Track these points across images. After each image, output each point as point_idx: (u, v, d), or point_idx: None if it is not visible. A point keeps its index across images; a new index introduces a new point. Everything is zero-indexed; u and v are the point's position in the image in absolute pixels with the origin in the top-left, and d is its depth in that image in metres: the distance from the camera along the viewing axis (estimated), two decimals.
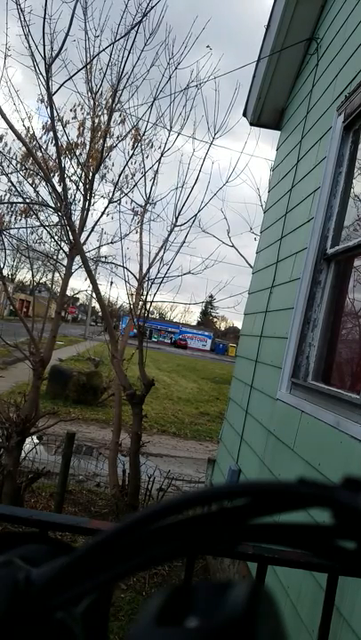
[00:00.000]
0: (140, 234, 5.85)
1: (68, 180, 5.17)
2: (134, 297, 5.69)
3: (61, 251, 5.54)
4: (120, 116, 5.47)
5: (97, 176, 5.36)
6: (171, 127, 5.46)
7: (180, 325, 67.78)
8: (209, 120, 5.44)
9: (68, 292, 6.39)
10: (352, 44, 2.90)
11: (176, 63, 5.15)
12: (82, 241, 5.11)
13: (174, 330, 64.59)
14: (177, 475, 6.84)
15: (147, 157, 5.77)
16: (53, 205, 5.15)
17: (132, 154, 5.53)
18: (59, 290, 5.62)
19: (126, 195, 5.75)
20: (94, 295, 5.66)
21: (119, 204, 5.74)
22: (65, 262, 5.37)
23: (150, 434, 9.27)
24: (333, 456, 2.12)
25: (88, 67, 5.19)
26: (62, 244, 5.43)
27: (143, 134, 5.57)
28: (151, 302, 5.51)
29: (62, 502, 4.76)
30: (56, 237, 5.60)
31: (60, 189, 5.02)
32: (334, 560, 0.29)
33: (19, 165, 5.50)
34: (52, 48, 4.46)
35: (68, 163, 5.26)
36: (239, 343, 4.88)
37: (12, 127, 4.78)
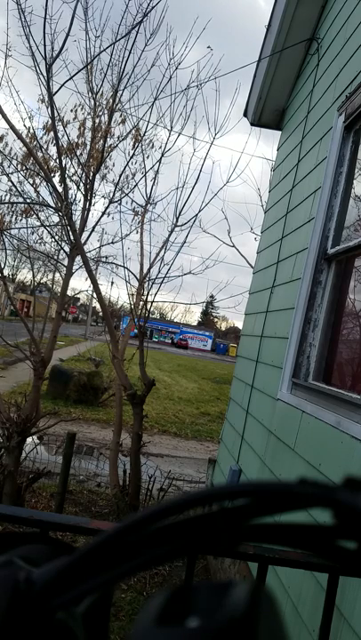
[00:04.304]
0: (141, 234, 5.86)
1: (68, 180, 5.17)
2: (135, 297, 5.69)
3: (62, 251, 5.55)
4: (121, 116, 5.47)
5: (97, 176, 5.36)
6: (171, 127, 5.47)
7: (180, 325, 67.80)
8: (209, 120, 5.45)
9: (69, 292, 6.39)
10: (353, 44, 2.90)
11: (177, 63, 5.15)
12: (82, 241, 5.11)
13: (175, 330, 64.61)
14: (178, 475, 6.84)
15: (147, 157, 5.77)
16: (54, 205, 5.15)
17: (133, 154, 5.53)
18: (59, 290, 5.62)
19: (127, 195, 5.75)
20: (95, 295, 5.66)
21: (120, 204, 5.74)
22: (65, 262, 5.37)
23: (151, 434, 9.27)
24: (334, 456, 2.12)
25: (89, 67, 5.19)
26: (63, 244, 5.43)
27: (144, 134, 5.57)
28: (152, 302, 5.51)
29: (63, 502, 4.76)
30: (57, 237, 5.60)
31: (60, 189, 5.02)
32: (335, 560, 0.29)
33: (19, 165, 5.50)
34: (52, 48, 4.46)
35: (69, 163, 5.26)
36: (240, 343, 4.88)
37: (12, 127, 4.78)
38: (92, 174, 5.23)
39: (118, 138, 5.52)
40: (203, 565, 4.25)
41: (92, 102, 5.35)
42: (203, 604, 0.27)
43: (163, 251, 5.62)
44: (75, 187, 5.36)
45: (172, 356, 33.52)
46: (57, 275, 6.23)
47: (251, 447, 3.61)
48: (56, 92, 4.61)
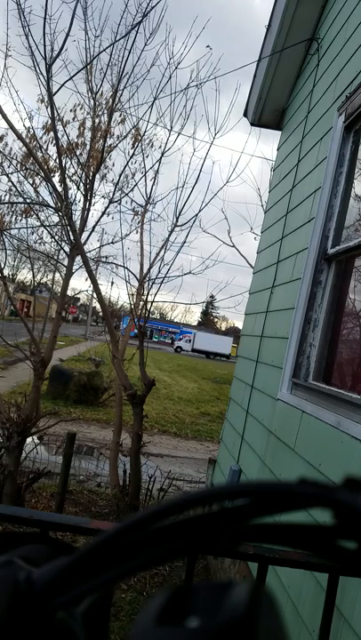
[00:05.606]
0: (141, 234, 5.85)
1: (68, 180, 5.17)
2: (135, 297, 5.69)
3: (62, 251, 5.55)
4: (120, 115, 5.47)
5: (97, 176, 5.36)
6: (171, 127, 5.47)
7: (180, 325, 67.79)
8: (209, 120, 5.45)
9: (69, 293, 6.38)
10: (353, 45, 2.90)
11: (176, 63, 5.15)
12: (82, 241, 5.11)
13: (175, 330, 64.60)
14: (178, 475, 6.84)
15: (147, 157, 5.77)
16: (54, 205, 5.15)
17: (133, 154, 5.53)
18: (59, 290, 5.62)
19: (127, 195, 5.75)
20: (95, 295, 5.66)
21: (120, 203, 5.74)
22: (65, 262, 5.37)
23: (151, 434, 9.27)
24: (334, 456, 2.12)
25: (88, 67, 5.19)
26: (63, 244, 5.43)
27: (143, 134, 5.57)
28: (152, 302, 5.51)
29: (63, 502, 4.76)
30: (57, 237, 5.60)
31: (60, 189, 5.02)
32: (335, 560, 0.29)
33: (19, 165, 5.50)
34: (52, 48, 4.46)
35: (69, 163, 5.26)
36: (240, 343, 4.88)
37: (12, 127, 4.78)
38: (91, 174, 5.23)
39: (118, 138, 5.53)
40: (203, 565, 4.25)
41: (92, 102, 5.35)
42: (203, 604, 0.27)
43: (163, 251, 5.62)
44: (75, 187, 5.36)
45: (172, 356, 33.53)
46: (57, 275, 6.23)
47: (251, 447, 3.61)
48: (56, 92, 4.61)
